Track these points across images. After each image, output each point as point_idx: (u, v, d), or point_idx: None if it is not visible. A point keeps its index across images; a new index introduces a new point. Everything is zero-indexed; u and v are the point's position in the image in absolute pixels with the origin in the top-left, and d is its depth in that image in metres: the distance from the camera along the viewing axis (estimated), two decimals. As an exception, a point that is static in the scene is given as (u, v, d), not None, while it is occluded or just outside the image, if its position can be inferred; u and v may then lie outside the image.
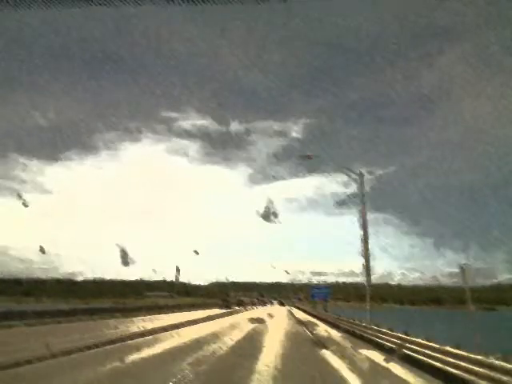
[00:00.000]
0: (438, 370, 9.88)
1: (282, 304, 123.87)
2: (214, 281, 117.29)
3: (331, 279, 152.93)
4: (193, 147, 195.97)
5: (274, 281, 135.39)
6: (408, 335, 13.06)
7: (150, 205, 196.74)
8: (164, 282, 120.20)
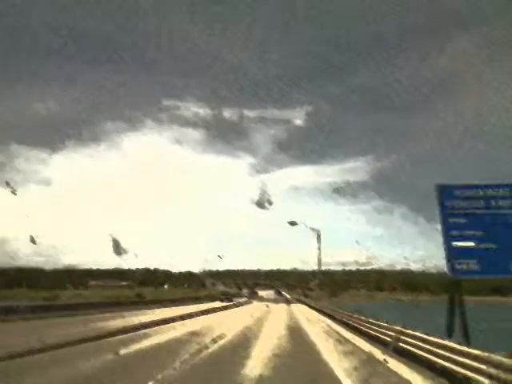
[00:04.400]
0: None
1: (278, 294, 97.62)
2: (207, 269, 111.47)
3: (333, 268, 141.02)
4: (194, 136, 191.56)
5: (275, 268, 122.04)
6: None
7: (150, 194, 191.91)
8: (147, 270, 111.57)
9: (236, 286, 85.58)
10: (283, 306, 53.88)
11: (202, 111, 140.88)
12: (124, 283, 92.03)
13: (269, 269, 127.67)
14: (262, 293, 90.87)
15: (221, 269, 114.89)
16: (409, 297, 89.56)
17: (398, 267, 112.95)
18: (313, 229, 40.23)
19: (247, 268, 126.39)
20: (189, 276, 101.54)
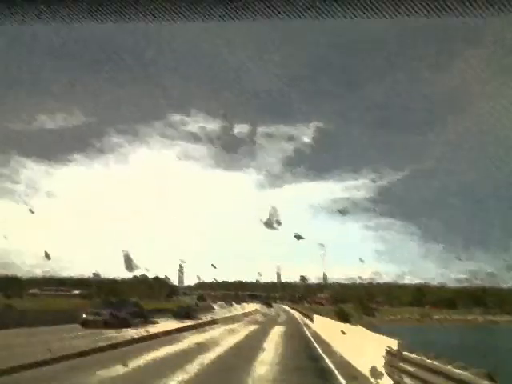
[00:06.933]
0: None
1: (268, 306, 75.43)
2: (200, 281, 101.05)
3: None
4: (201, 152, 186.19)
5: (276, 280, 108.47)
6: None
7: (155, 208, 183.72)
8: (135, 277, 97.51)
9: (201, 297, 65.16)
10: None
11: (209, 126, 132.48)
12: (76, 292, 73.18)
13: (269, 281, 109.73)
14: (239, 310, 59.74)
15: (217, 280, 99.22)
16: (481, 317, 67.71)
17: (400, 282, 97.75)
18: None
19: (244, 280, 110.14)
20: (161, 285, 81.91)
